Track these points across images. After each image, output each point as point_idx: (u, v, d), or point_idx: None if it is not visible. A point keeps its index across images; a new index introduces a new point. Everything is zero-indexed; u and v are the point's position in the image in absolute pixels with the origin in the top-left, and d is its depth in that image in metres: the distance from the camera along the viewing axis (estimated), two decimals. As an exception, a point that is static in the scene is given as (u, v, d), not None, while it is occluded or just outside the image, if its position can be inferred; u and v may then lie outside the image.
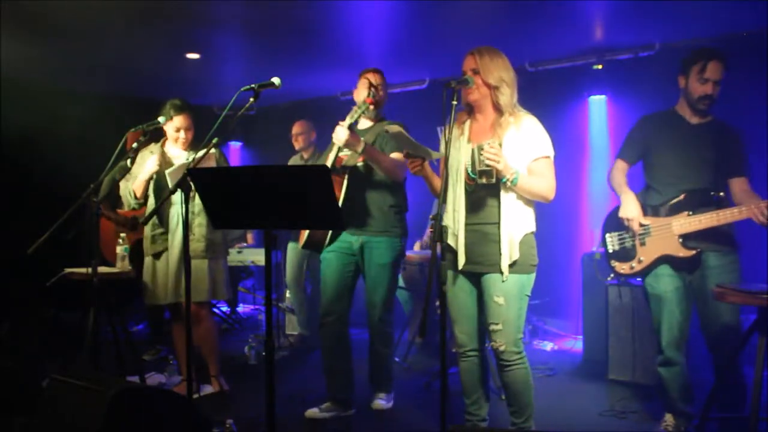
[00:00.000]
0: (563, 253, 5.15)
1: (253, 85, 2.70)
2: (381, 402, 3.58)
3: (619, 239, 3.13)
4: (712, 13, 4.09)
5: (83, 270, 3.11)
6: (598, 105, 5.20)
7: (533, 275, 2.66)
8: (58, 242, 2.95)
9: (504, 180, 2.51)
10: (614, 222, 3.14)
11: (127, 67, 5.49)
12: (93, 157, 3.65)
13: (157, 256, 3.63)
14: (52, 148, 5.28)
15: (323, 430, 3.34)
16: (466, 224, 2.62)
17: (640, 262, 3.05)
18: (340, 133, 3.16)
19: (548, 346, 4.99)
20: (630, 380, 3.93)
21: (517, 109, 2.65)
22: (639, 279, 3.20)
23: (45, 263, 3.12)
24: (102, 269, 3.26)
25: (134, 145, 3.99)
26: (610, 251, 3.16)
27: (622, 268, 3.12)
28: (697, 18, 4.21)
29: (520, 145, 2.58)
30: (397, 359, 4.63)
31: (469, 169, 2.61)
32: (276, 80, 2.82)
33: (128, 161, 4.26)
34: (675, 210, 2.96)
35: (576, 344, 4.93)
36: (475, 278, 2.69)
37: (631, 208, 3.02)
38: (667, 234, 2.96)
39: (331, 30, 4.55)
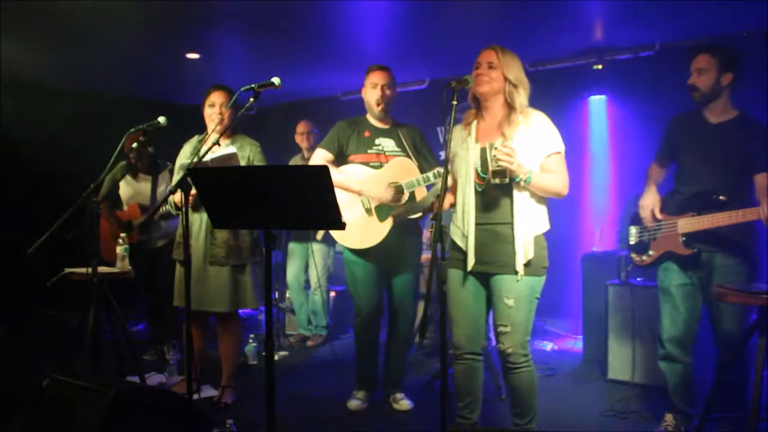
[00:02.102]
0: (563, 253, 5.13)
1: (253, 85, 2.70)
2: (408, 402, 3.60)
3: (640, 232, 3.22)
4: (712, 13, 4.09)
5: (83, 270, 3.10)
6: (598, 105, 5.20)
7: (543, 278, 2.65)
8: (58, 242, 2.95)
9: (518, 179, 2.50)
10: (638, 216, 3.25)
11: (128, 67, 5.49)
12: (93, 156, 3.65)
13: (181, 262, 3.55)
14: (52, 148, 5.27)
15: (323, 430, 3.34)
16: (477, 224, 2.61)
17: (649, 255, 3.15)
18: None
19: (548, 346, 4.99)
20: (630, 380, 3.92)
21: (526, 108, 2.64)
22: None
23: (45, 263, 3.11)
24: (102, 269, 3.26)
25: (134, 145, 3.98)
26: (631, 243, 3.27)
27: (637, 259, 3.24)
28: (697, 18, 4.21)
29: (531, 143, 2.57)
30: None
31: (479, 169, 2.60)
32: (276, 80, 2.82)
33: (129, 161, 4.26)
34: (684, 209, 3.02)
35: (576, 344, 4.93)
36: (484, 279, 2.67)
37: (647, 198, 3.15)
38: (673, 232, 3.03)
39: (332, 30, 4.55)
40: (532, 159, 2.56)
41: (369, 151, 3.46)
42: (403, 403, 3.59)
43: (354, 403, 3.58)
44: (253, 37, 4.75)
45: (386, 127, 3.55)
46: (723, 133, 2.98)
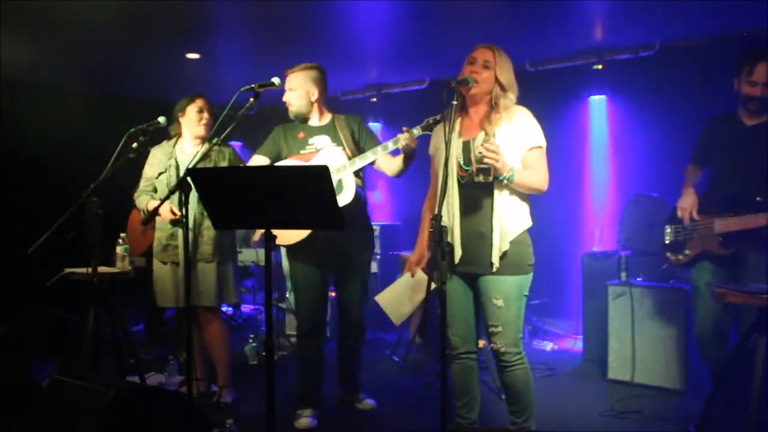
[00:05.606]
0: (563, 253, 5.15)
1: (253, 85, 2.70)
2: (371, 401, 3.58)
3: (676, 232, 3.24)
4: (712, 13, 4.09)
5: (83, 270, 3.10)
6: (598, 105, 5.20)
7: (530, 275, 2.64)
8: (58, 242, 2.95)
9: (501, 178, 2.49)
10: (675, 215, 3.26)
11: (127, 67, 5.49)
12: (93, 157, 3.65)
13: (166, 263, 3.61)
14: (52, 148, 5.28)
15: (323, 430, 3.34)
16: (461, 219, 2.61)
17: (685, 255, 3.19)
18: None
19: (548, 346, 4.99)
20: (630, 380, 3.93)
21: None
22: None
23: (45, 263, 3.11)
24: (102, 269, 3.26)
25: (134, 144, 3.99)
26: (667, 242, 3.28)
27: (673, 258, 3.26)
28: (697, 18, 4.21)
29: (513, 138, 2.57)
30: (396, 359, 4.64)
31: (461, 161, 2.60)
32: (276, 80, 2.83)
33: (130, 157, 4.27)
34: (722, 210, 3.04)
35: (576, 344, 4.93)
36: (471, 279, 2.67)
37: (686, 199, 3.18)
38: (710, 232, 3.08)
39: (332, 30, 4.55)
40: (514, 153, 2.56)
41: (302, 151, 3.31)
42: (366, 403, 3.57)
43: (303, 422, 3.32)
44: (253, 38, 4.75)
45: (322, 124, 3.39)
46: (760, 135, 3.00)
